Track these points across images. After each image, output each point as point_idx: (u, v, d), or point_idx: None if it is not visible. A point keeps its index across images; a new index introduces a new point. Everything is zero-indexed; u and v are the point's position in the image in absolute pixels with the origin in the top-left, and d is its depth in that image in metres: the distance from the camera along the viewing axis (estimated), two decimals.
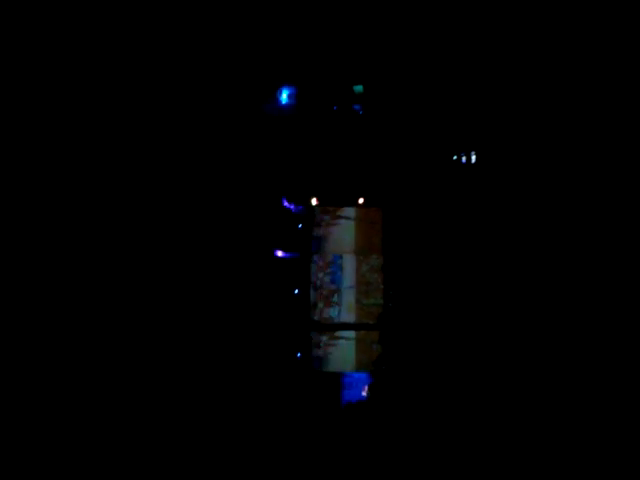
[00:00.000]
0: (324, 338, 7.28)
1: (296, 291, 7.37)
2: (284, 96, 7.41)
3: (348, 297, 7.36)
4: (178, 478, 6.49)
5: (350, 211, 7.43)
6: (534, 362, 6.87)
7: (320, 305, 7.31)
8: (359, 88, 7.45)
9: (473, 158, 7.08)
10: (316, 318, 7.27)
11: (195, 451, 6.61)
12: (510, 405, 6.81)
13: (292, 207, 7.43)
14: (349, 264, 7.37)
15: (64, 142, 6.89)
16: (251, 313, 7.20)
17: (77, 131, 6.92)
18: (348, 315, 7.31)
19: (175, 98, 7.12)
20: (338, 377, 7.31)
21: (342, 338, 7.27)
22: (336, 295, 7.33)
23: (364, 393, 7.29)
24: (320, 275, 7.31)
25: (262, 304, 7.25)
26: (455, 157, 7.15)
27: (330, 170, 7.48)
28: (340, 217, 7.40)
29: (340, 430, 7.06)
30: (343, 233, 7.40)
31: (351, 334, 7.28)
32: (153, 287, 6.94)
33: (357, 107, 7.49)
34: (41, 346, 6.57)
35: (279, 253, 7.39)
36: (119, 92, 7.00)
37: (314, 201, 7.45)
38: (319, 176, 7.47)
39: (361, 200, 7.48)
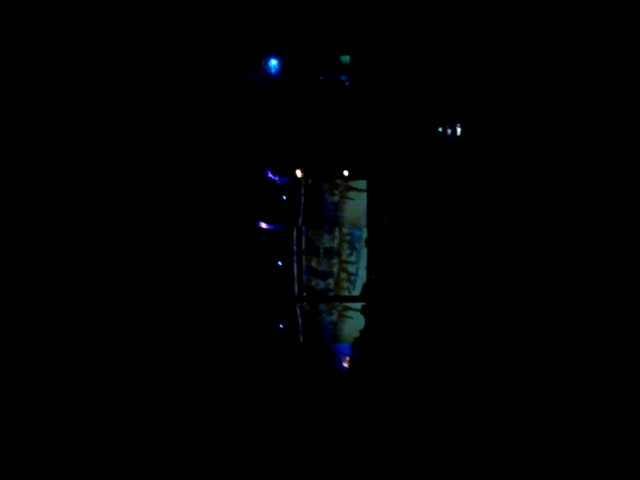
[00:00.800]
0: (324, 309, 7.34)
1: (280, 263, 7.40)
2: (270, 66, 7.33)
3: (365, 269, 7.38)
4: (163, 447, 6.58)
5: (362, 183, 7.41)
6: (520, 334, 6.84)
7: (335, 275, 7.33)
8: (346, 59, 7.34)
9: (458, 130, 6.98)
10: (332, 287, 7.30)
11: (178, 420, 6.70)
12: (492, 376, 6.82)
13: (276, 179, 7.41)
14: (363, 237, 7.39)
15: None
16: (234, 284, 7.24)
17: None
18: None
19: (157, 66, 7.06)
20: (321, 348, 7.37)
21: (351, 309, 7.32)
22: (355, 266, 7.35)
23: (345, 364, 7.35)
24: (337, 246, 7.32)
25: (246, 275, 7.28)
26: (440, 129, 7.05)
27: (315, 141, 7.43)
28: (351, 189, 7.37)
29: (320, 401, 7.14)
30: (356, 205, 7.39)
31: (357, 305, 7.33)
32: (133, 258, 6.98)
33: (344, 78, 7.39)
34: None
35: (263, 225, 7.39)
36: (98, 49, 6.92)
37: (299, 173, 7.42)
38: (304, 147, 7.42)
39: (346, 172, 7.43)
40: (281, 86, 7.35)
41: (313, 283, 7.31)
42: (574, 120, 6.61)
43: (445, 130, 7.06)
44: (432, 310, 7.21)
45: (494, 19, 6.84)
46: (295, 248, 7.37)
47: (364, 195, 7.33)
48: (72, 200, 6.85)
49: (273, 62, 7.28)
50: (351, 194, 7.36)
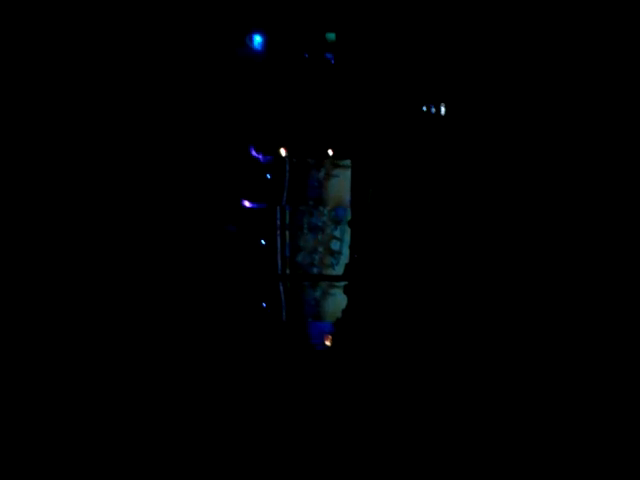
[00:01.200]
0: (319, 290, 7.34)
1: (263, 242, 7.39)
2: (254, 42, 7.25)
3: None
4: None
5: (347, 162, 7.37)
6: (501, 310, 6.91)
7: (320, 254, 7.33)
8: (331, 36, 7.28)
9: (443, 109, 6.97)
10: (317, 267, 7.30)
11: (163, 396, 6.71)
12: (471, 353, 6.90)
13: (260, 157, 7.37)
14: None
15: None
16: (217, 263, 7.22)
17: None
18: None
19: (141, 43, 6.95)
20: (302, 326, 7.40)
21: (335, 287, 7.33)
22: (339, 244, 7.34)
23: (327, 342, 7.40)
24: (320, 223, 7.30)
25: (229, 254, 7.27)
26: (425, 108, 7.04)
27: (300, 120, 7.38)
28: (337, 167, 7.34)
29: (301, 378, 7.19)
30: (341, 184, 7.36)
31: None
32: (114, 234, 6.92)
33: (329, 55, 7.34)
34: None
35: (246, 203, 7.36)
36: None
37: (283, 151, 7.38)
38: (288, 125, 7.38)
39: (330, 151, 7.40)
40: (266, 63, 7.28)
41: (297, 260, 7.32)
42: (558, 97, 6.63)
43: (429, 109, 7.06)
44: (414, 289, 7.26)
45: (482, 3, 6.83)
46: (279, 226, 7.36)
47: (349, 173, 7.31)
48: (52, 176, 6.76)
49: (257, 39, 7.20)
50: (336, 172, 7.34)
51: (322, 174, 7.31)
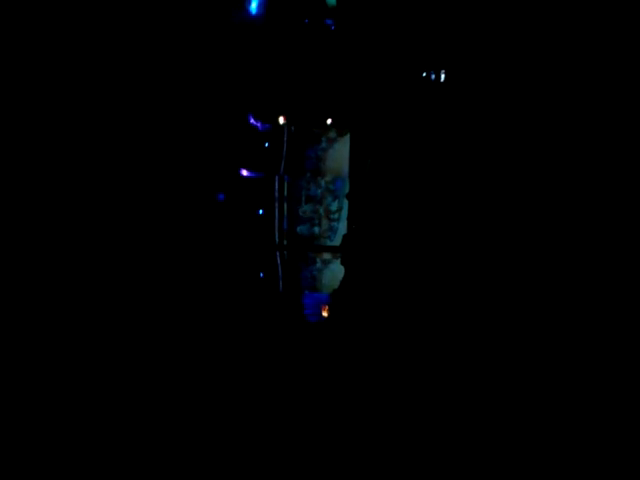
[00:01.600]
0: (319, 260, 7.32)
1: (261, 211, 7.34)
2: (253, 5, 7.08)
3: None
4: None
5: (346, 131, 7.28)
6: (495, 301, 6.85)
7: (317, 223, 7.30)
8: (332, 1, 7.09)
9: (442, 77, 6.81)
10: (315, 238, 7.26)
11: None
12: (465, 337, 6.86)
13: (259, 125, 7.27)
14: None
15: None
16: (215, 233, 7.19)
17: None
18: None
19: (136, 5, 6.80)
20: (299, 297, 7.40)
21: (333, 258, 7.31)
22: (337, 214, 7.30)
23: (324, 313, 7.40)
24: (318, 195, 7.25)
25: (226, 223, 7.23)
26: (424, 74, 6.87)
27: (299, 88, 7.25)
28: (337, 137, 7.25)
29: (299, 350, 7.21)
30: (340, 154, 7.28)
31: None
32: (115, 204, 6.89)
33: (329, 21, 7.16)
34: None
35: (244, 172, 7.30)
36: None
37: (281, 119, 7.28)
38: (287, 93, 7.25)
39: (329, 121, 7.29)
40: (265, 28, 7.12)
41: (295, 231, 7.27)
42: (560, 93, 6.44)
43: (430, 77, 6.89)
44: (411, 261, 7.21)
45: None
46: (277, 196, 7.30)
47: (347, 144, 7.21)
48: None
49: (255, 2, 7.03)
50: (335, 143, 7.24)
51: (320, 144, 7.22)
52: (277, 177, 7.29)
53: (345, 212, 7.29)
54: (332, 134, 7.23)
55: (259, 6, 7.08)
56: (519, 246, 6.57)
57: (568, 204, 6.43)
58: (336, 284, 7.32)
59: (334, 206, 7.26)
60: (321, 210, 7.28)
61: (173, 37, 6.88)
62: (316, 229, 7.28)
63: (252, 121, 7.24)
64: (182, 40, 6.90)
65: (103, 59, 6.76)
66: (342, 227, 7.30)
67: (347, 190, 7.25)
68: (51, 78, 6.62)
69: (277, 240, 7.31)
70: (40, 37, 6.59)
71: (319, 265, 7.35)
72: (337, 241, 7.30)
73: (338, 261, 7.31)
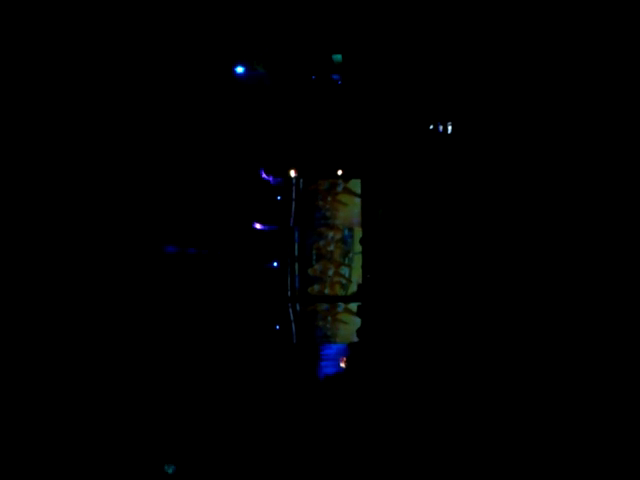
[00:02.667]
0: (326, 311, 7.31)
1: (275, 264, 7.39)
2: (261, 65, 7.32)
3: (358, 270, 7.34)
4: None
5: (355, 184, 7.36)
6: (515, 335, 6.74)
7: (329, 277, 7.31)
8: (338, 57, 7.29)
9: (449, 128, 6.89)
10: (326, 291, 7.27)
11: (174, 422, 6.72)
12: (487, 379, 6.73)
13: (271, 179, 7.40)
14: (357, 237, 7.34)
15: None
16: (230, 286, 7.24)
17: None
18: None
19: (149, 68, 7.08)
20: (316, 349, 7.34)
21: (345, 312, 7.28)
22: (346, 268, 7.32)
23: (342, 365, 7.32)
24: (330, 248, 7.29)
25: (241, 276, 7.28)
26: (432, 127, 6.97)
27: (309, 141, 7.39)
28: (344, 191, 7.34)
29: (317, 402, 7.12)
30: (349, 207, 7.35)
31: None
32: (130, 259, 7.01)
33: (336, 77, 7.35)
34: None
35: (257, 226, 7.38)
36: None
37: (293, 173, 7.40)
38: (298, 147, 7.40)
39: (340, 172, 7.39)
40: (273, 86, 7.33)
41: (306, 287, 7.28)
42: (571, 118, 6.48)
43: (437, 128, 6.98)
44: (429, 309, 7.14)
45: (487, 16, 6.74)
46: (288, 250, 7.35)
47: (357, 197, 7.29)
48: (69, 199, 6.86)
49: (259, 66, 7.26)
50: (344, 194, 7.32)
51: (330, 195, 7.30)
52: (288, 230, 7.36)
53: (355, 261, 7.29)
54: (341, 185, 7.32)
55: (268, 66, 7.32)
56: (534, 299, 6.54)
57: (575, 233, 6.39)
58: (352, 336, 7.26)
59: (345, 260, 7.28)
60: (330, 263, 7.29)
61: (188, 97, 7.11)
62: (328, 283, 7.28)
63: (264, 176, 7.38)
64: (197, 100, 7.13)
65: (124, 117, 7.01)
66: (354, 277, 7.29)
67: (356, 239, 7.28)
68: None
69: (289, 293, 7.32)
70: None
71: (332, 320, 7.31)
72: (350, 291, 7.28)
73: (353, 314, 7.27)
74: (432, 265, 7.08)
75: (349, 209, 7.30)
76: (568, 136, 6.39)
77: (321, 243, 7.28)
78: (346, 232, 7.31)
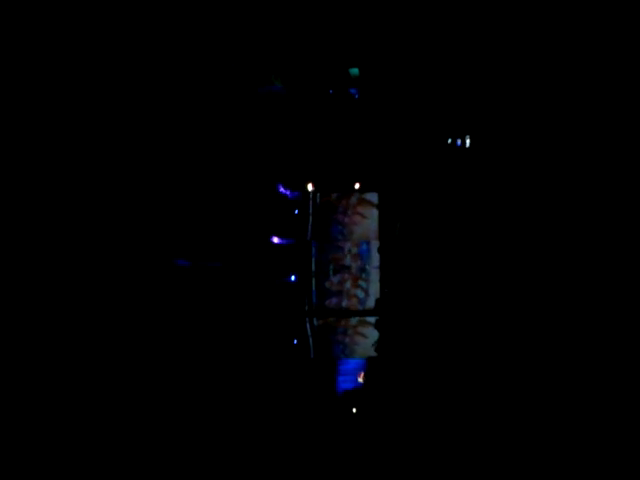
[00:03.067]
0: (349, 323, 7.27)
1: (293, 278, 7.37)
2: (279, 80, 7.34)
3: (376, 283, 7.30)
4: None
5: (373, 197, 7.33)
6: (531, 353, 6.64)
7: (346, 291, 7.28)
8: (355, 71, 7.28)
9: (467, 142, 6.83)
10: (344, 304, 7.24)
11: (189, 437, 6.73)
12: (506, 396, 6.63)
13: (288, 193, 7.40)
14: (374, 250, 7.30)
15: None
16: (248, 300, 7.24)
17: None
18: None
19: (167, 83, 7.14)
20: (334, 363, 7.29)
21: (363, 326, 7.24)
22: (364, 282, 7.28)
23: (360, 380, 7.25)
24: (347, 261, 7.27)
25: (259, 290, 7.28)
26: (450, 140, 6.92)
27: (326, 155, 7.39)
28: (362, 203, 7.31)
29: (336, 418, 7.07)
30: (366, 220, 7.32)
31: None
32: (151, 267, 7.05)
33: (353, 91, 7.34)
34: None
35: (275, 240, 7.38)
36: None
37: (310, 186, 7.39)
38: (315, 161, 7.39)
39: (357, 185, 7.36)
40: (290, 100, 7.34)
41: (324, 300, 7.25)
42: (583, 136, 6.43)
43: (455, 141, 6.93)
44: (447, 323, 7.06)
45: (502, 31, 6.70)
46: (305, 264, 7.33)
47: (374, 210, 7.24)
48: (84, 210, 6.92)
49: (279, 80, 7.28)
50: (361, 209, 7.28)
51: (347, 209, 7.27)
52: (305, 244, 7.34)
53: (373, 275, 7.24)
54: (357, 199, 7.29)
55: (285, 80, 7.33)
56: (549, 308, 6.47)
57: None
58: (370, 350, 7.19)
59: (363, 274, 7.23)
60: (348, 276, 7.25)
61: (207, 110, 7.16)
62: (346, 297, 7.23)
63: (282, 189, 7.38)
64: (215, 113, 7.18)
65: (142, 129, 7.07)
66: (372, 290, 7.23)
67: (374, 252, 7.22)
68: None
69: (307, 307, 7.29)
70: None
71: (350, 331, 7.26)
72: (367, 305, 7.22)
73: (371, 327, 7.21)
74: (450, 279, 7.01)
75: (367, 222, 7.25)
76: (591, 163, 6.33)
77: (338, 257, 7.24)
78: (364, 245, 7.26)
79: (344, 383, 7.29)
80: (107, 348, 6.69)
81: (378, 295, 7.23)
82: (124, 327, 6.79)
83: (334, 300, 7.25)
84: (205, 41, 7.12)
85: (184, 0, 7.01)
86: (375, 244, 7.23)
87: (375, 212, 7.24)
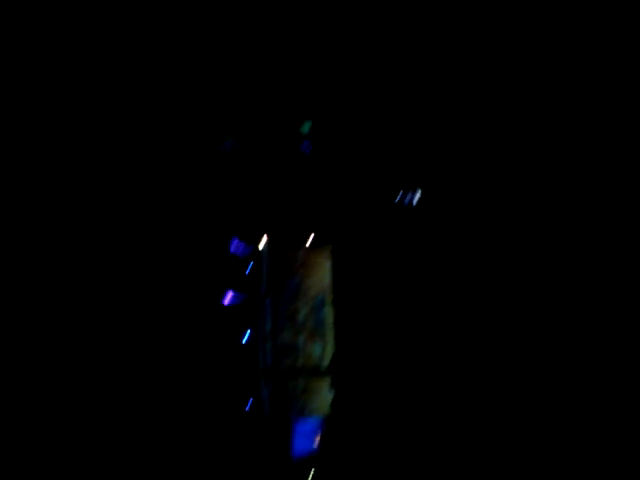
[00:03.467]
0: (300, 384, 7.07)
1: (246, 336, 7.19)
2: (230, 139, 7.39)
3: (332, 340, 7.17)
4: None
5: (325, 251, 7.28)
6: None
7: (302, 346, 7.10)
8: (305, 129, 7.40)
9: (417, 196, 6.95)
10: (300, 361, 7.04)
11: None
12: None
13: (240, 251, 7.31)
14: (330, 304, 7.20)
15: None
16: (198, 361, 7.02)
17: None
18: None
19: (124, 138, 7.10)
20: (288, 425, 7.03)
21: (319, 382, 7.06)
22: (320, 338, 7.13)
23: (317, 441, 7.00)
24: (301, 317, 7.12)
25: (209, 351, 7.08)
26: (400, 195, 7.02)
27: (279, 210, 7.39)
28: (315, 257, 7.26)
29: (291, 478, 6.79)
30: (323, 273, 7.24)
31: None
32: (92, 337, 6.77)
33: (304, 146, 7.43)
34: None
35: (228, 297, 7.23)
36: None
37: (262, 242, 7.33)
38: (268, 216, 7.37)
39: (311, 237, 7.34)
40: (241, 158, 7.38)
41: (279, 359, 7.04)
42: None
43: (405, 197, 7.03)
44: (405, 380, 6.97)
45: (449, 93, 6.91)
46: (260, 322, 7.16)
47: (328, 263, 7.19)
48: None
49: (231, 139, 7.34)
50: (315, 262, 7.23)
51: (300, 264, 7.20)
52: (258, 300, 7.20)
53: (329, 330, 7.10)
54: (311, 253, 7.25)
55: (237, 136, 7.39)
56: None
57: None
58: (325, 407, 6.97)
59: (318, 325, 7.09)
60: (303, 333, 7.10)
61: (158, 170, 7.11)
62: (302, 353, 7.06)
63: (235, 243, 7.30)
64: (166, 172, 7.13)
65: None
66: (328, 346, 7.08)
67: (329, 306, 7.12)
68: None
69: (261, 366, 7.07)
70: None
71: (307, 389, 7.04)
72: (324, 361, 7.05)
73: (326, 384, 7.02)
74: (407, 335, 6.97)
75: (321, 276, 7.18)
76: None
77: (293, 312, 7.10)
78: (318, 299, 7.16)
79: (299, 445, 7.01)
80: None
81: (334, 351, 7.08)
82: None
83: (290, 359, 7.06)
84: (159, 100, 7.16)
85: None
86: (330, 298, 7.14)
87: (329, 265, 7.18)
